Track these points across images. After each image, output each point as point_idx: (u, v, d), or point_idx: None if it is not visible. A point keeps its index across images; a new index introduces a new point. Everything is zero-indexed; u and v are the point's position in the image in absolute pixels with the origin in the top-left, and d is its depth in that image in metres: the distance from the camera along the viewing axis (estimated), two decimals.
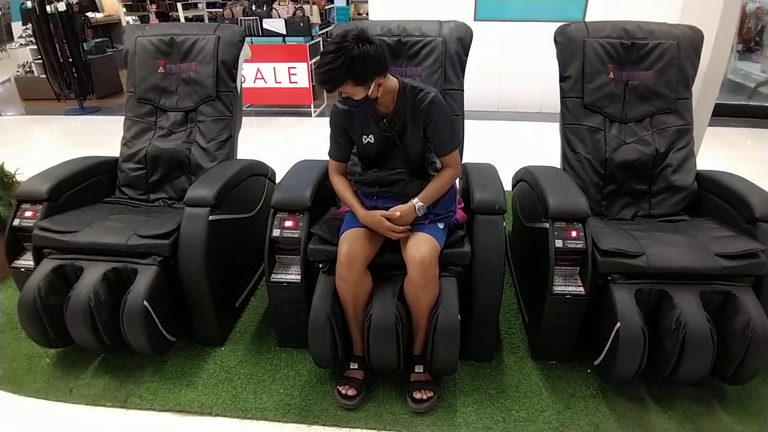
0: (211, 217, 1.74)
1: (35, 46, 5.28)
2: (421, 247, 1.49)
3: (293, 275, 1.71)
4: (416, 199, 1.55)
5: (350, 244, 1.52)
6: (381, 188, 1.58)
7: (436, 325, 1.51)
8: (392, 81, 1.53)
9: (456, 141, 1.59)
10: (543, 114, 5.05)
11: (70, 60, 5.09)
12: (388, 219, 1.52)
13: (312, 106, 5.14)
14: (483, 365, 1.79)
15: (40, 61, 5.23)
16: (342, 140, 1.65)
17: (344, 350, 1.63)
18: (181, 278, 1.74)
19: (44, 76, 5.31)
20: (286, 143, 4.37)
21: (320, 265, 1.65)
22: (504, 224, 1.65)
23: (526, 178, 2.00)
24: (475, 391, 1.68)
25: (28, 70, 6.07)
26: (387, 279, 1.60)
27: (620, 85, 2.00)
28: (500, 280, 1.63)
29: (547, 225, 1.64)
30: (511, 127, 4.69)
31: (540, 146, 4.08)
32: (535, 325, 1.78)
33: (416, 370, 1.64)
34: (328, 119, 1.64)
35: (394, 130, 1.57)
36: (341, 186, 1.65)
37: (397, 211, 1.52)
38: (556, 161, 2.09)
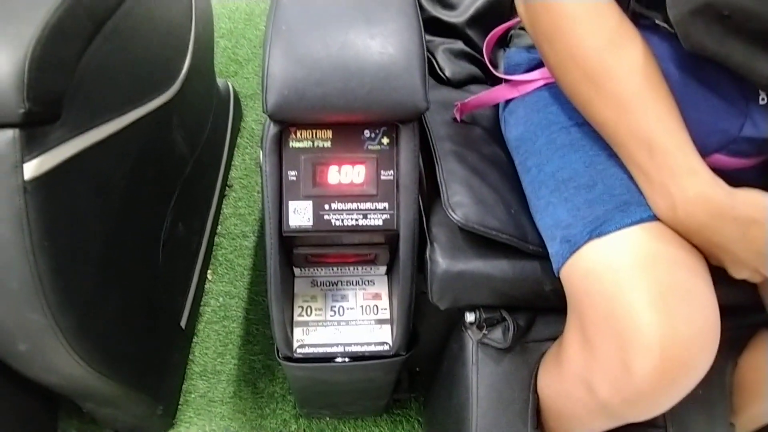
0: (29, 166, 0.45)
1: None
2: None
3: (365, 330, 0.56)
4: None
5: (700, 304, 0.37)
6: None
7: None
8: None
9: None
10: None
11: None
12: None
13: None
14: None
15: None
16: None
17: None
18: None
19: None
20: None
21: (472, 320, 0.50)
22: None
23: None
24: None
25: None
26: None
27: None
28: None
29: None
30: None
31: None
32: None
33: None
34: None
35: None
36: (636, 63, 0.38)
37: None
38: None
